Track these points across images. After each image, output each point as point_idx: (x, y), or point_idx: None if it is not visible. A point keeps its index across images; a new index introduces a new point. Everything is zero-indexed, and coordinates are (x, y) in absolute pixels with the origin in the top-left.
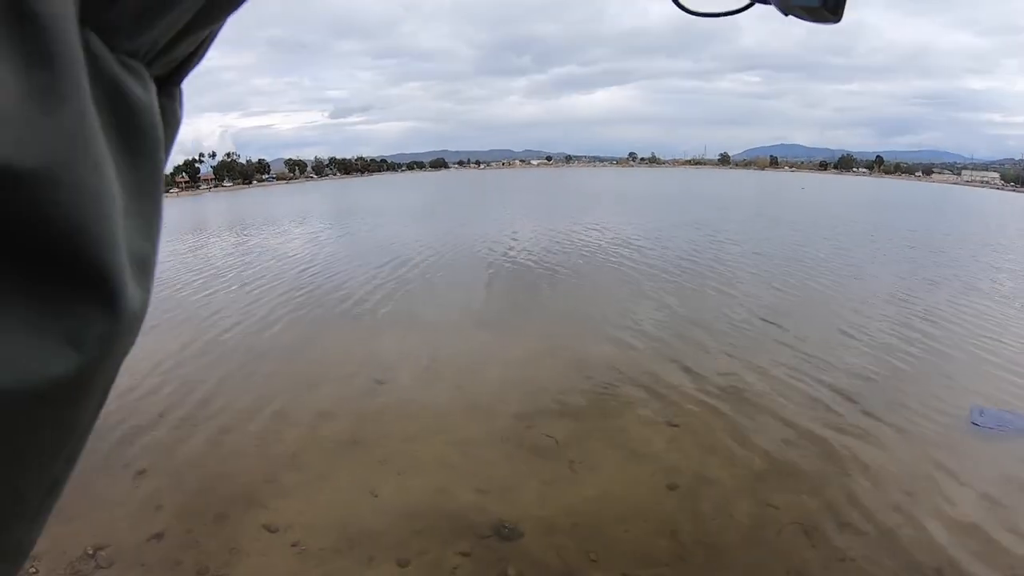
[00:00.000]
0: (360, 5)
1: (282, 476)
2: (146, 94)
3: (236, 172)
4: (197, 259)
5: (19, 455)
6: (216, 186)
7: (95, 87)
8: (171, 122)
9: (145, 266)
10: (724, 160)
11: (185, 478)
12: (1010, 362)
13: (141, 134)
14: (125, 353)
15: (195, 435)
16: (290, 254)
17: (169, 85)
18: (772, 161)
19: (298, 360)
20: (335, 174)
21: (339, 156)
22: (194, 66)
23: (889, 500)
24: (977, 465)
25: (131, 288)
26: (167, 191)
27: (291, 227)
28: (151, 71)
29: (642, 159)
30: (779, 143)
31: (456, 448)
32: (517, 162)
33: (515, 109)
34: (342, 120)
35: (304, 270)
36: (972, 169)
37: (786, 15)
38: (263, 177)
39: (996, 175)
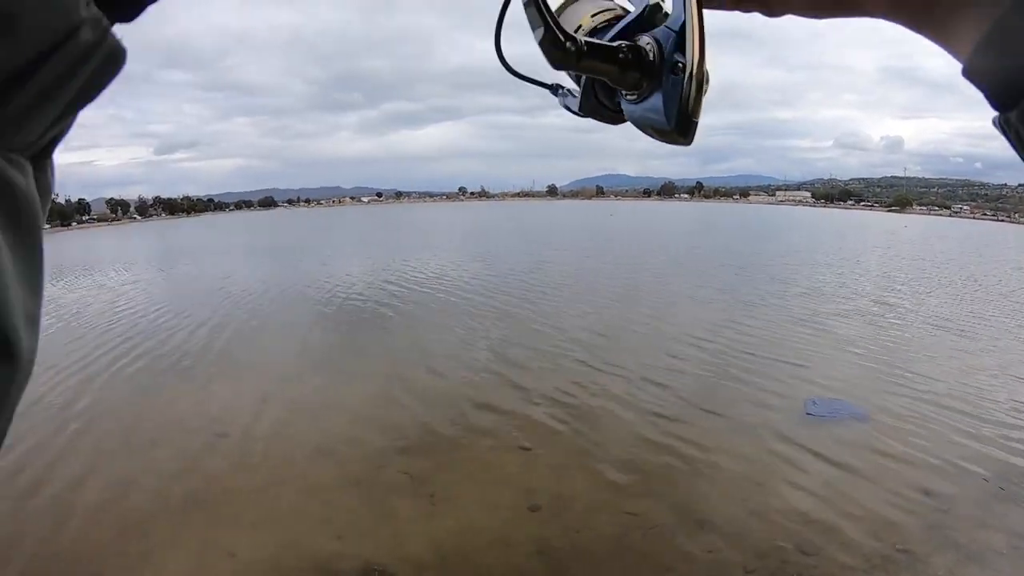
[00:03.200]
0: (189, 34)
1: (131, 547)
2: (27, 181)
3: (53, 213)
4: None
5: None
6: None
7: None
8: (46, 193)
9: (34, 320)
10: (552, 191)
11: (23, 553)
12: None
13: (25, 216)
14: (22, 392)
15: (27, 513)
16: (115, 307)
17: (43, 159)
18: (598, 191)
19: (129, 420)
20: (160, 215)
21: (164, 195)
22: (63, 137)
23: (739, 492)
24: (814, 448)
25: (26, 341)
26: None
27: (114, 275)
28: (29, 155)
29: (472, 193)
30: (605, 173)
31: (309, 495)
32: (347, 199)
33: (346, 145)
34: (167, 156)
35: (125, 323)
36: (785, 189)
37: (641, 131)
38: (83, 218)
39: (808, 194)
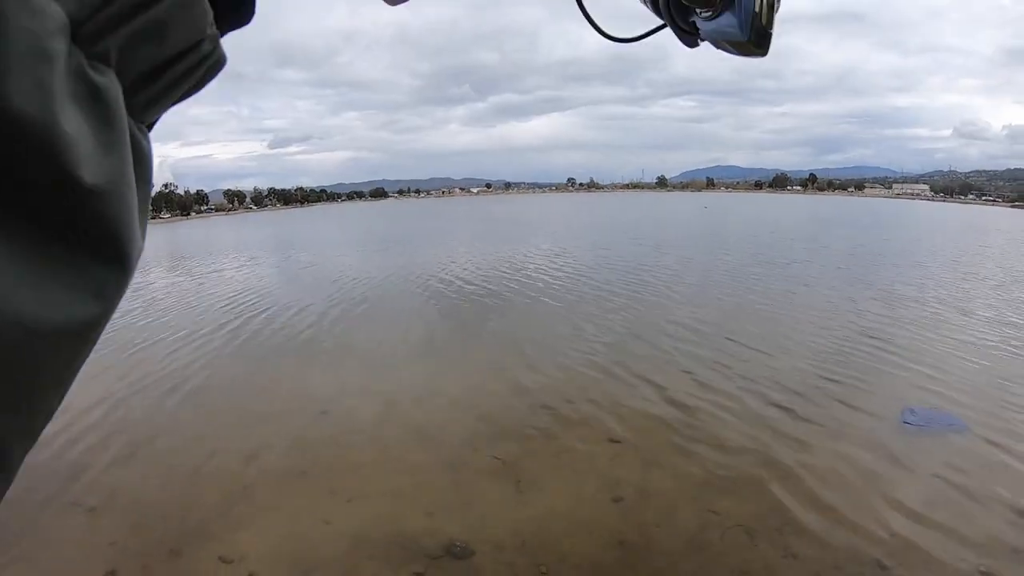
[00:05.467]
0: (301, 34)
1: (234, 509)
2: (149, 145)
3: (174, 203)
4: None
5: (44, 382)
6: (154, 217)
7: (130, 142)
8: (151, 154)
9: (140, 255)
10: (662, 183)
11: (136, 514)
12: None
13: (146, 169)
14: (113, 311)
15: (144, 472)
16: (235, 289)
17: (150, 128)
18: (709, 182)
19: (242, 394)
20: (275, 205)
21: (278, 187)
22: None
23: (828, 498)
24: (911, 460)
25: (134, 263)
26: None
27: (235, 261)
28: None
29: (581, 184)
30: (715, 165)
31: (404, 475)
32: (457, 190)
33: (454, 137)
34: (281, 150)
35: (247, 307)
36: (903, 182)
37: (716, 48)
38: (202, 208)
39: (926, 187)
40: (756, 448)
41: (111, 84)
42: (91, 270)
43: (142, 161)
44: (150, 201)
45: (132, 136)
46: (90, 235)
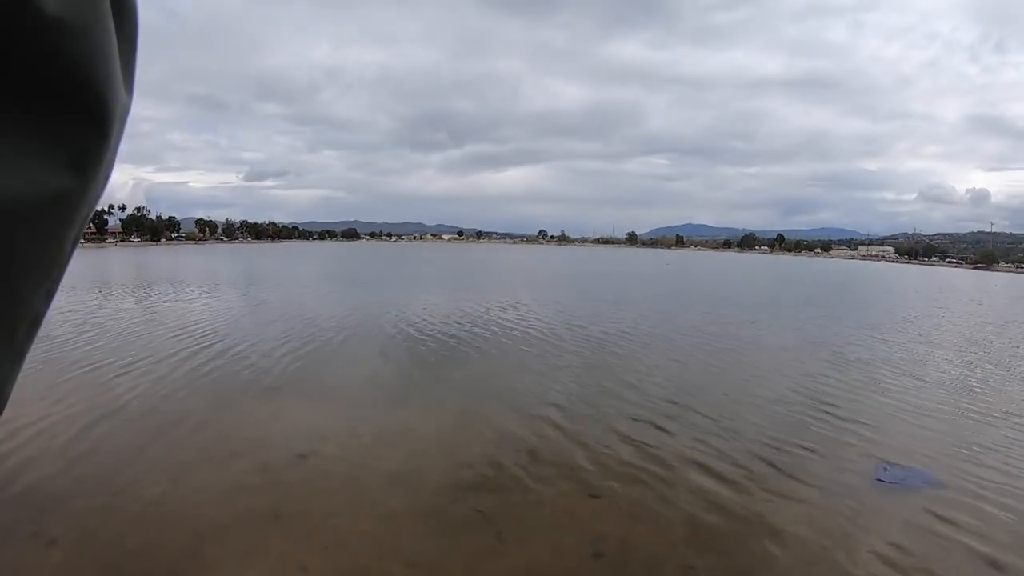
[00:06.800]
0: (284, 68)
1: (206, 550)
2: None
3: (145, 228)
4: (93, 328)
5: (24, 264)
6: (123, 240)
7: None
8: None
9: (125, 117)
10: (632, 239)
11: (100, 550)
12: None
13: (128, 22)
14: (106, 182)
15: (109, 505)
16: (198, 323)
17: None
18: (678, 240)
19: (211, 431)
20: (246, 238)
21: (251, 220)
22: None
23: (804, 554)
24: (883, 517)
25: (116, 137)
26: None
27: (200, 293)
28: None
29: (552, 237)
30: (686, 223)
31: (382, 522)
32: (429, 235)
33: (429, 183)
34: (256, 183)
35: (213, 339)
36: (868, 244)
37: None
38: (172, 235)
39: (891, 249)
40: (734, 505)
41: None
42: (62, 130)
43: (123, 10)
44: (135, 55)
45: None
46: (57, 80)
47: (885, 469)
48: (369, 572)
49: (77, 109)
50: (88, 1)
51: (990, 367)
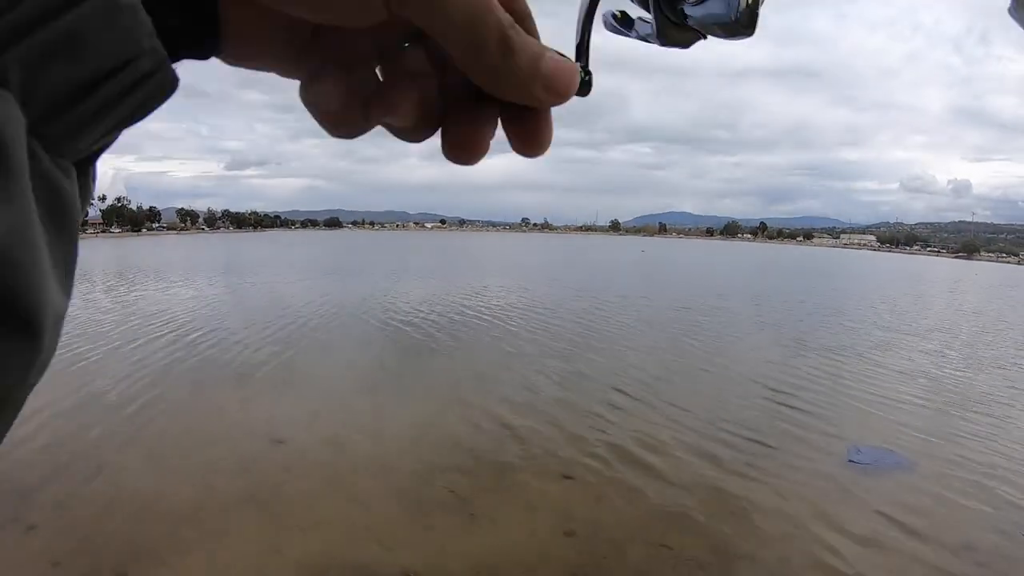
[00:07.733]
0: None
1: (182, 531)
2: (72, 186)
3: (126, 218)
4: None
5: None
6: (103, 231)
7: (35, 186)
8: (86, 198)
9: (60, 317)
10: (615, 227)
11: (79, 534)
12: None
13: (67, 218)
14: (37, 380)
15: (87, 490)
16: (176, 310)
17: (87, 166)
18: (661, 228)
19: (188, 417)
20: (228, 228)
21: (233, 209)
22: (107, 149)
23: (776, 532)
24: (855, 497)
25: (49, 333)
26: None
27: (180, 284)
28: (75, 160)
29: (535, 224)
30: (669, 211)
31: (355, 504)
32: (412, 224)
33: (411, 171)
34: (238, 172)
35: (194, 327)
36: (850, 233)
37: (705, 37)
38: (153, 226)
39: (873, 238)
40: (709, 485)
41: (2, 109)
42: None
43: (59, 208)
44: (75, 256)
45: (43, 177)
46: None
47: (858, 451)
48: (343, 553)
49: (3, 335)
50: (15, 225)
51: (954, 353)
